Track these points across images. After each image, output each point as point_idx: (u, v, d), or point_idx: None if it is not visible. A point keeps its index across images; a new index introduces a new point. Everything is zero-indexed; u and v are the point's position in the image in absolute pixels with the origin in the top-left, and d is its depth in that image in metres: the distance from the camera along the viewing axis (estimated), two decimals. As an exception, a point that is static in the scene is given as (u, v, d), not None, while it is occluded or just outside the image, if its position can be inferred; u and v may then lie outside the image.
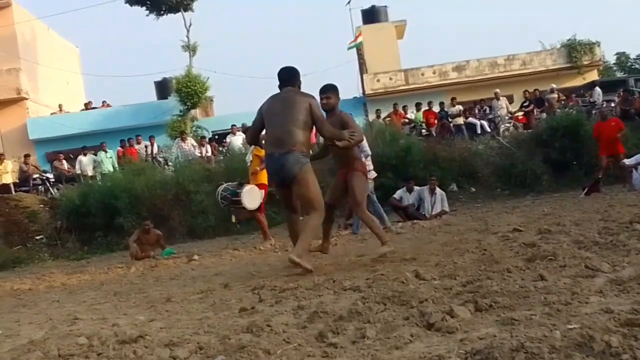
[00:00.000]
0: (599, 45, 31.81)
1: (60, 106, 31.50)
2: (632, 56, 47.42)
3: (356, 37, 32.75)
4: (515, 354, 2.47)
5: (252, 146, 11.59)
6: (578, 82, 29.60)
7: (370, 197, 11.48)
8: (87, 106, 32.55)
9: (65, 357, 3.49)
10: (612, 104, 23.36)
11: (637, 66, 47.19)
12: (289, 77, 7.00)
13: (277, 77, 7.05)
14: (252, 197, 11.39)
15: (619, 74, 44.87)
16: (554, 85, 25.19)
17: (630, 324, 2.70)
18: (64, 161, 23.53)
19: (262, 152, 11.13)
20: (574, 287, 3.75)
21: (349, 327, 3.34)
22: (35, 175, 22.29)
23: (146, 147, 23.73)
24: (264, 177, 11.38)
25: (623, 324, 2.75)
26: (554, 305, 3.31)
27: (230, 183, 11.92)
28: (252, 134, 7.33)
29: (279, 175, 6.70)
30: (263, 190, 11.58)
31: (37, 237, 18.02)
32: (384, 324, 3.38)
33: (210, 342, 3.36)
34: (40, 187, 21.75)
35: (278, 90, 7.01)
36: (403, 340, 3.01)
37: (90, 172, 21.97)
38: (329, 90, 7.37)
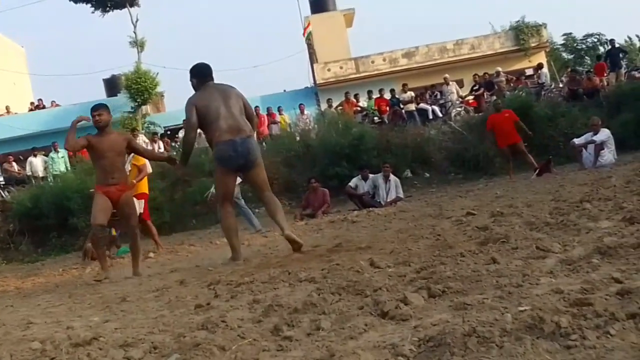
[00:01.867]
0: (545, 27, 32.16)
1: (7, 107, 30.95)
2: (579, 37, 47.89)
3: (306, 27, 32.72)
4: (467, 339, 2.48)
5: (132, 154, 10.44)
6: (525, 64, 29.97)
7: (238, 202, 11.62)
8: (38, 106, 32.00)
9: (17, 363, 3.43)
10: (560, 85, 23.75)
11: (583, 47, 47.70)
12: (210, 71, 7.27)
13: (199, 72, 7.25)
14: None
15: (566, 56, 45.43)
16: (500, 69, 25.42)
17: (580, 304, 2.74)
18: (14, 163, 23.13)
19: (141, 162, 11.06)
20: (525, 268, 3.79)
21: (304, 320, 3.33)
22: (-15, 179, 21.95)
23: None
24: (143, 187, 11.54)
25: (572, 304, 2.78)
26: (505, 288, 3.34)
27: None
28: (194, 134, 7.24)
29: (245, 158, 6.89)
30: (143, 200, 11.49)
31: (-11, 242, 17.69)
32: (339, 314, 3.37)
33: (165, 341, 3.33)
34: (-10, 190, 21.38)
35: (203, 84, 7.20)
36: (357, 330, 3.01)
37: (41, 173, 21.64)
38: (100, 108, 7.85)
